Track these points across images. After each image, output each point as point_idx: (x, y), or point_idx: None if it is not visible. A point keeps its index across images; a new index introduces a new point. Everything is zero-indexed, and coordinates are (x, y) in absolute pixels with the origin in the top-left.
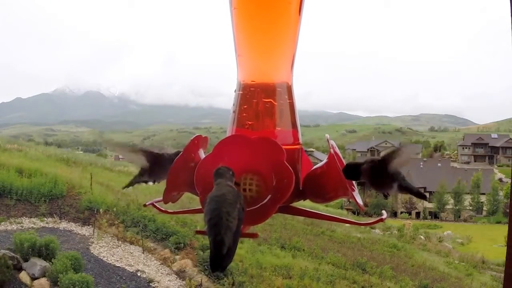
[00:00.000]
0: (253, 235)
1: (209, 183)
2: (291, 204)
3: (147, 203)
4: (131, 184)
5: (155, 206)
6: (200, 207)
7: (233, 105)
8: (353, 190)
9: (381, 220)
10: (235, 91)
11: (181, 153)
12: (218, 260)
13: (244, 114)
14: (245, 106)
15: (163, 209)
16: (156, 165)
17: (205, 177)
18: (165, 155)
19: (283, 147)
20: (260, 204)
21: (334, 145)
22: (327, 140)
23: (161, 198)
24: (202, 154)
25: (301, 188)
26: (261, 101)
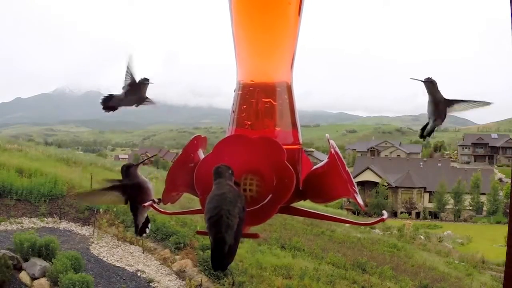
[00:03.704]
0: (254, 236)
1: (209, 183)
2: (291, 205)
3: (145, 204)
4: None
5: (153, 207)
6: (200, 208)
7: (233, 105)
8: (354, 191)
9: (382, 220)
10: (234, 91)
11: (180, 153)
12: (219, 258)
13: (244, 114)
14: (244, 106)
15: (161, 209)
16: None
17: (205, 177)
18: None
19: (283, 147)
20: (261, 204)
21: (334, 145)
22: (327, 140)
23: (160, 198)
24: (201, 154)
25: (301, 188)
26: (260, 101)
